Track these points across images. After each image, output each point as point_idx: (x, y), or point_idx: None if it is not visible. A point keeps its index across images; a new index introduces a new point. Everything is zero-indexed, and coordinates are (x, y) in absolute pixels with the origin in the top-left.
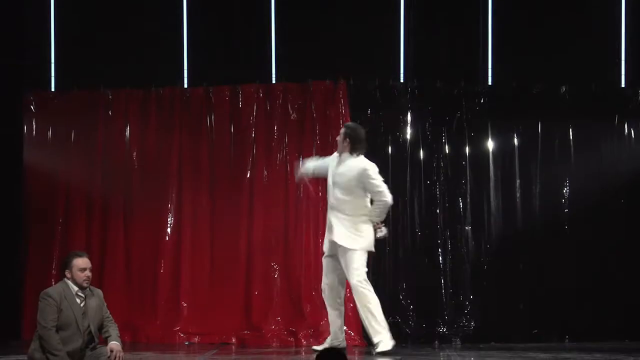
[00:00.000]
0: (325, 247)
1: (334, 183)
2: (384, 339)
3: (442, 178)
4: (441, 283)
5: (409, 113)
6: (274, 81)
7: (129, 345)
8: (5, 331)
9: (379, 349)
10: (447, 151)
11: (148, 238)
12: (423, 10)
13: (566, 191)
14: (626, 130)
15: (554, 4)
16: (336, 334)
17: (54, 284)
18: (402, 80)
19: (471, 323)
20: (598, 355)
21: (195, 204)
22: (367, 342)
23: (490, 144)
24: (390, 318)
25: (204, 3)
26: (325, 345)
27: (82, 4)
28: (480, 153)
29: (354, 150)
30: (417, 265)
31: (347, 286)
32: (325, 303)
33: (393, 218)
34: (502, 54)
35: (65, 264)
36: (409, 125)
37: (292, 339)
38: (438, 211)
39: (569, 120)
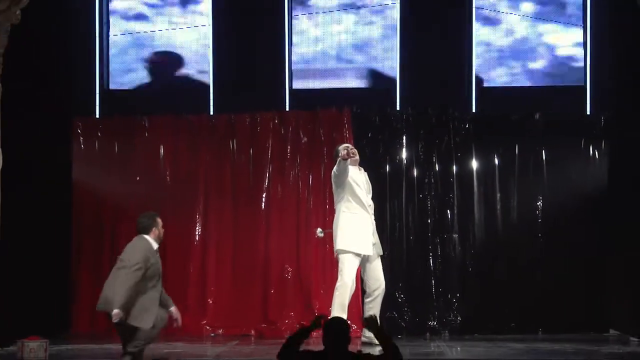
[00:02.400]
0: (371, 249)
1: (367, 191)
2: None
3: (432, 192)
4: (432, 283)
5: (404, 137)
6: (287, 109)
7: (162, 337)
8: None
9: None
10: (437, 169)
11: (179, 244)
12: (415, 51)
13: (539, 204)
14: (591, 152)
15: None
16: None
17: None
18: (398, 109)
19: (458, 318)
20: (567, 345)
21: (220, 214)
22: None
23: (474, 164)
24: (387, 313)
25: (229, 45)
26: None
27: (123, 47)
28: (465, 171)
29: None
30: (411, 268)
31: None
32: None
33: (390, 227)
34: (485, 87)
35: (150, 224)
36: (404, 147)
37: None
38: (429, 221)
39: (542, 143)
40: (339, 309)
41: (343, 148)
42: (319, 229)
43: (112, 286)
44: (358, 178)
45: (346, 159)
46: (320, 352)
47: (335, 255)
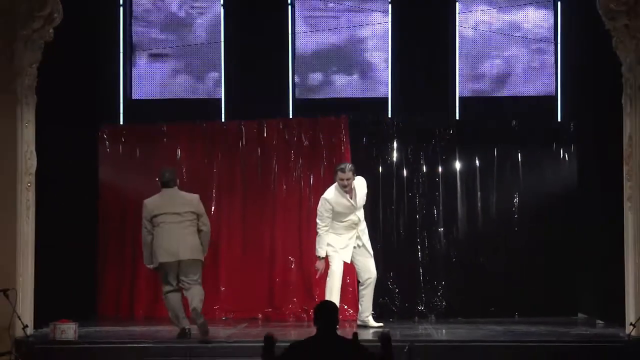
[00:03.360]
0: (349, 257)
1: (353, 209)
2: None
3: (420, 191)
4: (420, 272)
5: (395, 141)
6: (291, 117)
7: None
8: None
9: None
10: (424, 170)
11: None
12: (405, 66)
13: (516, 201)
14: (561, 155)
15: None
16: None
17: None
18: (390, 116)
19: (443, 303)
20: (540, 327)
21: (231, 210)
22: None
23: (457, 165)
24: (380, 299)
25: (237, 59)
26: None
27: (145, 61)
28: (449, 172)
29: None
30: (401, 259)
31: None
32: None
33: (383, 222)
34: (467, 97)
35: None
36: (395, 150)
37: (305, 315)
38: (417, 217)
39: (518, 148)
40: (329, 292)
41: (339, 179)
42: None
43: (195, 237)
44: (341, 205)
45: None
46: (310, 338)
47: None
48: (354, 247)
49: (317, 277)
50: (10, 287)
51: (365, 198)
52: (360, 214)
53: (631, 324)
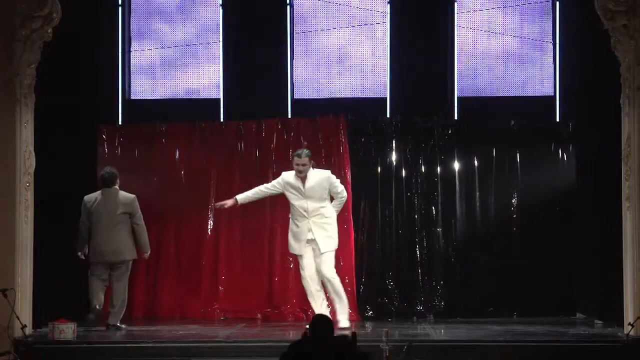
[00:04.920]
0: (301, 249)
1: (308, 197)
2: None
3: (419, 191)
4: (419, 272)
5: (393, 141)
6: (289, 117)
7: (178, 319)
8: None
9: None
10: (423, 170)
11: (193, 237)
12: (406, 64)
13: (514, 201)
14: (560, 155)
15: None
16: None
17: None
18: (388, 116)
19: (441, 303)
20: (539, 327)
21: (230, 210)
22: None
23: (456, 165)
24: (379, 299)
25: (236, 59)
26: None
27: (144, 60)
28: (448, 172)
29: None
30: (400, 258)
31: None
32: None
33: (382, 222)
34: (465, 97)
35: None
36: (393, 150)
37: (303, 315)
38: (416, 217)
39: (516, 147)
40: (310, 299)
41: (295, 164)
42: None
43: (126, 237)
44: (292, 187)
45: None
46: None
47: None
48: (307, 241)
49: (215, 204)
50: (9, 287)
51: (323, 191)
52: (312, 204)
53: (630, 323)
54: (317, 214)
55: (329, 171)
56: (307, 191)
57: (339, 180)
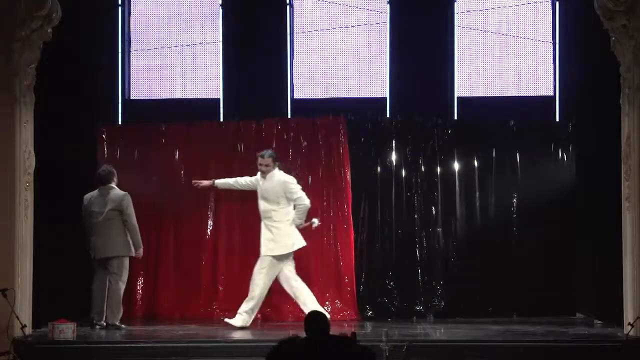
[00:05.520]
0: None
1: (265, 199)
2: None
3: (419, 191)
4: (418, 272)
5: (393, 141)
6: (289, 117)
7: (178, 319)
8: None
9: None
10: (422, 170)
11: (193, 237)
12: (405, 63)
13: (514, 201)
14: (559, 155)
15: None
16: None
17: None
18: (388, 116)
19: (441, 303)
20: (538, 327)
21: (229, 211)
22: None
23: (456, 165)
24: (379, 299)
25: (235, 59)
26: None
27: (144, 61)
28: (448, 172)
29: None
30: (400, 258)
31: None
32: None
33: (382, 222)
34: (465, 97)
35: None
36: (393, 150)
37: (303, 314)
38: (416, 217)
39: (516, 147)
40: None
41: (258, 164)
42: (315, 219)
43: (116, 234)
44: (258, 187)
45: None
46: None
47: None
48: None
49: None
50: (9, 287)
51: (277, 195)
52: (265, 205)
53: (629, 323)
54: (267, 216)
55: (291, 177)
56: (263, 192)
57: (299, 187)
